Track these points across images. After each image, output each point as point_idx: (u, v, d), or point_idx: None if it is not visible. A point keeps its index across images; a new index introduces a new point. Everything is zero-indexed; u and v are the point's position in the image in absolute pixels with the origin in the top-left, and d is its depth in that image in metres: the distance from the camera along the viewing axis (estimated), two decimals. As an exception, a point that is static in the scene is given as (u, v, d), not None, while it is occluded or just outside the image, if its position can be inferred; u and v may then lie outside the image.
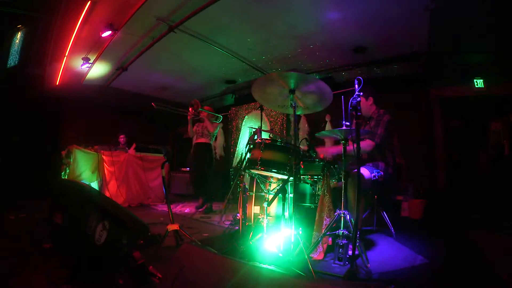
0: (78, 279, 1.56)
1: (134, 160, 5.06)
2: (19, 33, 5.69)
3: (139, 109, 7.31)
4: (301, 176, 2.37)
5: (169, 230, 2.25)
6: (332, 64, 4.82)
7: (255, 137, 2.48)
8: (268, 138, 2.92)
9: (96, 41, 4.22)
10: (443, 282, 1.72)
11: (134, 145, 5.19)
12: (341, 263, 1.91)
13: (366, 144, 2.44)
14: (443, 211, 4.02)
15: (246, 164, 2.26)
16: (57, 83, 5.43)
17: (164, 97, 6.48)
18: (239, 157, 6.01)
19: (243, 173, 3.69)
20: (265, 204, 2.25)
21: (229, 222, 3.31)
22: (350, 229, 1.93)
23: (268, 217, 2.25)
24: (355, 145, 1.68)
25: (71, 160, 4.56)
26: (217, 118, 4.47)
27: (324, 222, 2.11)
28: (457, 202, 4.28)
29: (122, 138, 6.16)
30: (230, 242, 2.40)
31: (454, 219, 3.76)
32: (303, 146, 2.45)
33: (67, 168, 4.65)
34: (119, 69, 5.10)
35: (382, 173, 2.48)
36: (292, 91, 1.92)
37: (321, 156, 2.41)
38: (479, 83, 4.56)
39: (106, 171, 4.72)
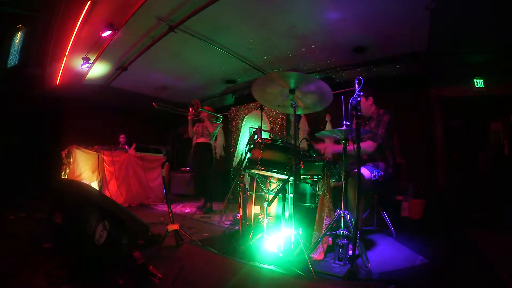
0: (78, 279, 1.56)
1: (134, 160, 5.06)
2: (19, 33, 5.68)
3: (139, 109, 7.31)
4: (301, 176, 2.37)
5: (169, 230, 2.25)
6: (332, 64, 4.82)
7: (255, 137, 2.47)
8: (268, 138, 2.91)
9: (96, 41, 4.22)
10: (443, 282, 1.72)
11: (134, 145, 5.19)
12: (341, 263, 1.91)
13: (368, 145, 2.42)
14: (443, 211, 4.02)
15: (246, 164, 2.27)
16: (57, 83, 5.43)
17: (164, 97, 6.48)
18: (239, 157, 6.01)
19: (243, 173, 3.68)
20: (265, 204, 2.25)
21: (229, 222, 3.31)
22: (350, 229, 1.93)
23: (268, 217, 2.25)
24: (355, 145, 1.67)
25: (71, 160, 4.56)
26: (217, 118, 4.47)
27: (324, 222, 2.11)
28: (457, 202, 4.28)
29: (122, 138, 6.17)
30: (230, 242, 2.40)
31: (454, 219, 3.76)
32: (303, 145, 2.44)
33: (67, 168, 4.66)
34: (119, 69, 5.10)
35: (382, 173, 2.47)
36: (292, 91, 1.92)
37: (322, 151, 2.41)
38: (479, 83, 4.56)
39: (106, 171, 4.72)
